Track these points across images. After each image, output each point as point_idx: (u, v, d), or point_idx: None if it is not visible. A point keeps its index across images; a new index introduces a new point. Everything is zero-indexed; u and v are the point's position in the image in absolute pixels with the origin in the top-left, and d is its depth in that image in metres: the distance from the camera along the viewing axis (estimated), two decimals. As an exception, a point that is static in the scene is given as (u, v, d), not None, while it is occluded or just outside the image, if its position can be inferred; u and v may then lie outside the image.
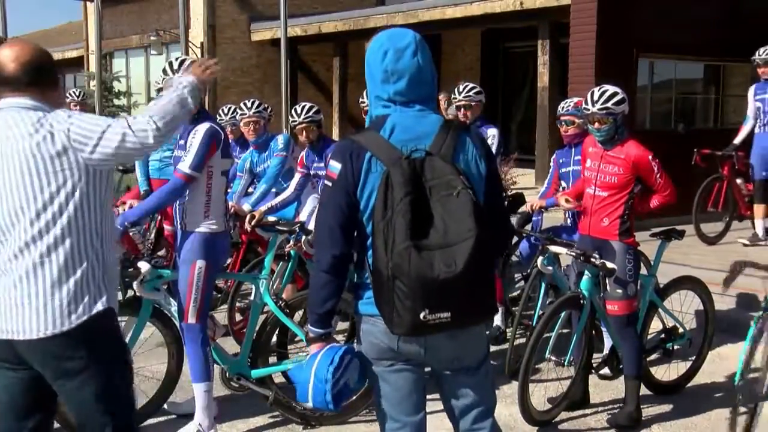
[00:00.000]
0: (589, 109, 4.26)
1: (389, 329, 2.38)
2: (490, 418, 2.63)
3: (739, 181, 8.09)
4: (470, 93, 5.73)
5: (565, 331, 4.58)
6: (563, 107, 5.39)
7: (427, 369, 2.61)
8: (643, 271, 4.69)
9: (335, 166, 2.49)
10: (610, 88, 4.30)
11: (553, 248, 4.64)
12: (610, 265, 4.17)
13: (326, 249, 2.47)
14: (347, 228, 2.47)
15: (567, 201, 4.61)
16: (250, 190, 6.23)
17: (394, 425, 2.61)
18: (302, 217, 5.62)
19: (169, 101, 2.67)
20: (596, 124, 4.27)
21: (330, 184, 2.50)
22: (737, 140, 7.96)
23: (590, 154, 4.43)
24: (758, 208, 7.86)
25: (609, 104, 4.22)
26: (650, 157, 4.28)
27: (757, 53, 7.70)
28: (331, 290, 2.50)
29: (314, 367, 2.49)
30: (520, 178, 11.34)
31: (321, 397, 2.48)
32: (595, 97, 4.26)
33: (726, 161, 7.94)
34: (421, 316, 2.29)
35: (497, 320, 5.81)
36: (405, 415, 2.59)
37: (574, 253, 4.32)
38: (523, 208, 5.85)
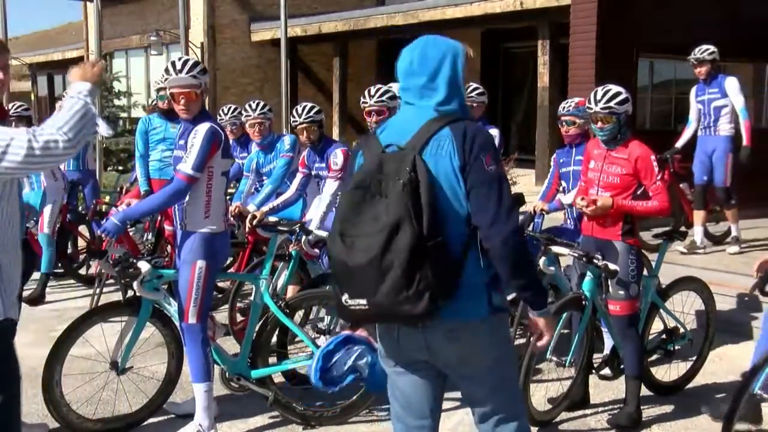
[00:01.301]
0: (592, 108, 4.27)
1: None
2: (512, 423, 2.58)
3: (682, 185, 7.95)
4: (472, 94, 5.73)
5: (565, 331, 4.58)
6: (564, 107, 5.38)
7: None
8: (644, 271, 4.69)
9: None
10: (614, 88, 4.30)
11: (555, 249, 4.64)
12: (612, 266, 4.15)
13: None
14: None
15: (582, 199, 4.43)
16: (253, 190, 6.24)
17: (400, 426, 2.64)
18: (309, 217, 5.61)
19: (75, 111, 2.62)
20: (599, 124, 4.27)
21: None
22: (679, 143, 7.83)
23: (594, 155, 4.42)
24: (697, 215, 7.72)
25: (612, 103, 4.22)
26: (653, 157, 4.29)
27: (692, 53, 7.57)
28: None
29: (320, 347, 2.66)
30: (520, 179, 11.34)
31: (312, 372, 2.68)
32: (598, 96, 4.26)
33: (667, 165, 7.77)
34: (343, 299, 2.39)
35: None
36: (413, 417, 2.62)
37: (576, 254, 4.31)
38: (523, 208, 5.85)
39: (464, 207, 2.44)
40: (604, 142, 4.33)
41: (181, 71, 3.95)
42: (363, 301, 2.35)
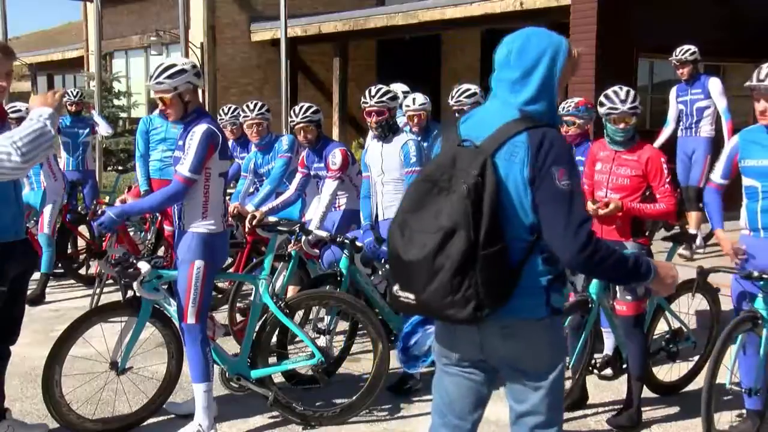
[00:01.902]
0: (617, 109, 4.23)
1: None
2: (550, 428, 2.53)
3: None
4: (461, 97, 5.72)
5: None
6: (564, 108, 5.37)
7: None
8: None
9: None
10: (624, 88, 4.32)
11: None
12: None
13: None
14: None
15: (593, 202, 4.37)
16: (252, 190, 6.24)
17: (439, 421, 2.65)
18: (308, 217, 5.61)
19: (33, 131, 2.74)
20: (622, 125, 4.25)
21: None
22: (656, 144, 7.68)
23: (601, 158, 4.41)
24: (690, 217, 7.64)
25: (636, 102, 4.24)
26: (663, 160, 4.30)
27: (674, 53, 7.49)
28: None
29: (403, 327, 2.72)
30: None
31: (398, 353, 2.73)
32: (622, 96, 4.24)
33: None
34: (395, 289, 2.42)
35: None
36: (453, 416, 2.61)
37: None
38: None
39: (529, 216, 2.37)
40: (619, 143, 4.31)
41: (152, 77, 3.99)
42: (411, 296, 2.36)
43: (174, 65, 4.00)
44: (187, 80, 3.98)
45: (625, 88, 4.32)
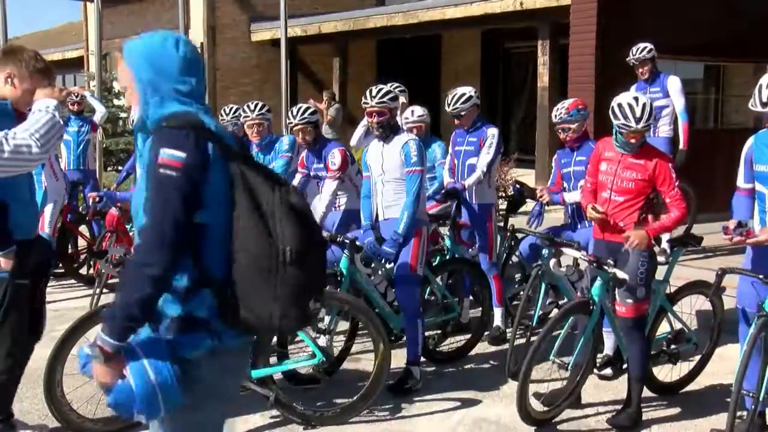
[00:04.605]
0: (631, 127, 4.10)
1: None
2: None
3: None
4: (458, 104, 5.70)
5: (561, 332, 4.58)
6: (557, 115, 5.35)
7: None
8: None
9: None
10: (642, 98, 4.18)
11: (568, 251, 4.61)
12: (621, 275, 4.10)
13: None
14: None
15: (594, 209, 4.35)
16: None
17: None
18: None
19: (46, 121, 2.85)
20: (633, 140, 4.17)
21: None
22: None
23: (606, 158, 4.35)
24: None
25: (651, 119, 4.15)
26: (671, 165, 4.26)
27: (631, 53, 7.37)
28: None
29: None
30: (521, 179, 11.32)
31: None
32: (638, 114, 4.10)
33: None
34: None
35: (497, 320, 5.80)
36: None
37: (587, 259, 4.27)
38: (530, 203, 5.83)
39: None
40: (629, 150, 4.26)
41: None
42: None
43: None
44: None
45: (641, 102, 4.14)
